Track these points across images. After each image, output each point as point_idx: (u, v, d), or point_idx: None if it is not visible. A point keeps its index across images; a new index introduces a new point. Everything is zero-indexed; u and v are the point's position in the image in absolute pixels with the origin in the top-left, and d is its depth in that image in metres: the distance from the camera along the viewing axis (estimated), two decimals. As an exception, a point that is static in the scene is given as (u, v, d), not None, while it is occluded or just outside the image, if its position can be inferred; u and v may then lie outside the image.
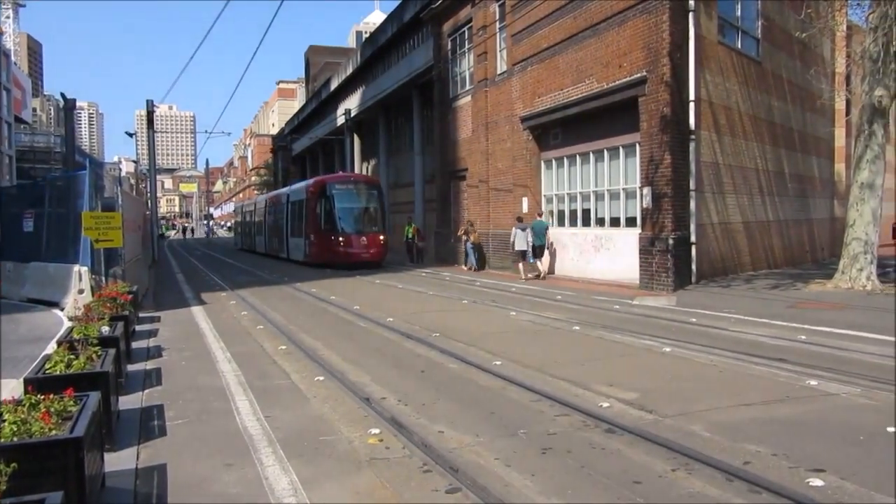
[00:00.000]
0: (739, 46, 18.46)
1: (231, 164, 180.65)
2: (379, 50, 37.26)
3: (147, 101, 35.43)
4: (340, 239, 24.70)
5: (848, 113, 22.71)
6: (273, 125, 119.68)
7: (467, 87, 25.63)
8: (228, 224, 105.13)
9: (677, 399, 6.20)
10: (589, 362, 8.12)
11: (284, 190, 34.64)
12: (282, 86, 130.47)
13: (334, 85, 47.46)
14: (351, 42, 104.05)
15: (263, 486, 4.30)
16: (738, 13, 18.57)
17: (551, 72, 19.34)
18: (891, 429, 5.20)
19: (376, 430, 5.38)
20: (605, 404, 6.04)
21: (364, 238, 24.82)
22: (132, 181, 62.47)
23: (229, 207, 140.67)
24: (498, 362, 7.92)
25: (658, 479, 4.32)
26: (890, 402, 6.00)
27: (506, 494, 4.07)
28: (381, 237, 25.47)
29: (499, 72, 22.98)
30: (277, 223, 32.94)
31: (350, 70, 43.00)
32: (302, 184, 30.84)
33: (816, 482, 4.16)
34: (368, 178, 30.96)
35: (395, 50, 35.82)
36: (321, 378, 7.31)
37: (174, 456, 4.95)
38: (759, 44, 19.44)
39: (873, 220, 14.97)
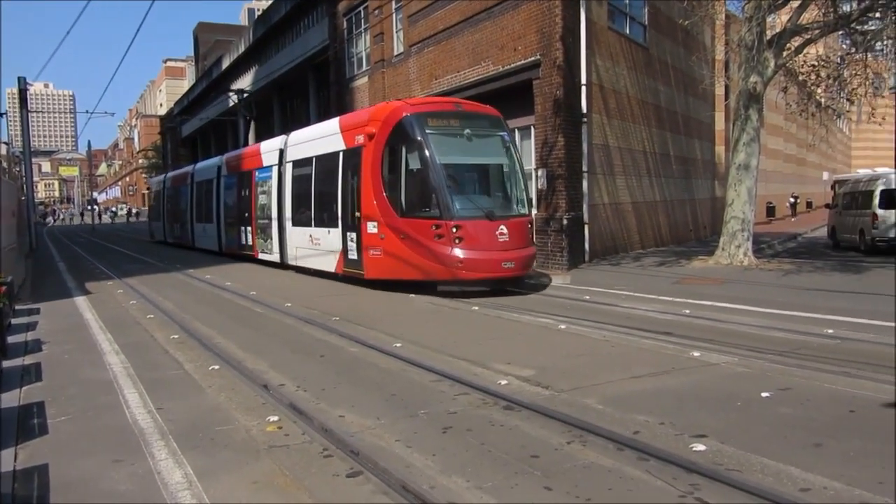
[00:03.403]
0: (628, 32, 19.13)
1: (116, 146, 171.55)
2: (272, 28, 36.16)
3: (19, 78, 32.89)
4: (454, 229, 11.62)
5: (727, 98, 24.02)
6: (161, 105, 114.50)
7: (364, 68, 25.33)
8: (114, 209, 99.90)
9: (572, 374, 6.42)
10: (488, 341, 8.27)
11: (274, 143, 18.80)
12: (170, 64, 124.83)
13: (226, 64, 45.74)
14: (243, 20, 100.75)
15: (156, 481, 4.14)
16: (627, 0, 19.21)
17: (448, 54, 19.39)
18: (765, 394, 5.58)
19: (275, 418, 5.29)
20: (504, 382, 6.17)
21: (503, 228, 11.91)
22: (4, 164, 58.21)
23: (115, 192, 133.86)
24: (398, 344, 7.93)
25: (554, 451, 4.47)
26: (764, 370, 6.43)
27: (407, 475, 4.09)
28: (529, 226, 12.83)
29: (396, 53, 22.83)
30: (265, 203, 18.87)
31: (242, 49, 41.55)
32: (329, 125, 15.65)
33: (699, 447, 4.41)
34: (484, 107, 13.75)
35: (289, 29, 34.88)
36: (216, 367, 7.09)
37: (57, 455, 4.68)
38: (647, 30, 20.21)
39: (749, 199, 15.92)
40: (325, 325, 9.42)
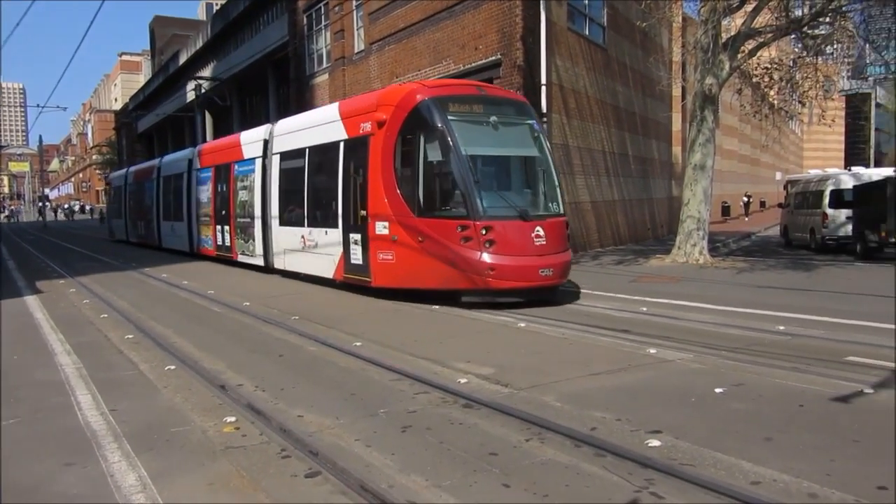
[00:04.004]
0: (587, 33, 19.34)
1: (69, 141, 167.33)
2: (231, 24, 35.68)
3: (-34, 70, 31.88)
4: (484, 230, 10.07)
5: (683, 99, 24.46)
6: (116, 100, 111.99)
7: (325, 65, 25.16)
8: (67, 206, 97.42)
9: (531, 372, 6.47)
10: (448, 340, 8.29)
11: (257, 133, 16.86)
12: (125, 58, 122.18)
13: (183, 59, 45.00)
14: (201, 14, 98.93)
15: (109, 484, 4.05)
16: (586, 1, 19.45)
17: (409, 52, 19.38)
18: (718, 390, 5.70)
19: (232, 418, 5.22)
20: (463, 380, 6.19)
21: (539, 229, 10.42)
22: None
23: (67, 188, 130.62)
24: (358, 343, 7.90)
25: (513, 449, 4.50)
26: (718, 366, 6.57)
27: (366, 475, 4.08)
28: (566, 227, 11.35)
29: (356, 50, 22.72)
30: (247, 199, 17.07)
31: (200, 44, 40.93)
32: (326, 111, 13.99)
33: (654, 442, 4.49)
34: (509, 92, 13.58)
35: (248, 24, 34.44)
36: (172, 367, 6.97)
37: (5, 459, 4.54)
38: (605, 31, 20.46)
39: (705, 198, 16.25)
40: (285, 324, 9.33)
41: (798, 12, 18.19)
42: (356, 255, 11.96)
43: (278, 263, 15.25)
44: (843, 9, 16.75)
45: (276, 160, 15.24)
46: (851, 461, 4.19)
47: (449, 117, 10.50)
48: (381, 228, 11.15)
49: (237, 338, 8.64)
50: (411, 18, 19.16)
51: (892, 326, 8.19)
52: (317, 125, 13.62)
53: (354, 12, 22.63)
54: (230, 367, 6.94)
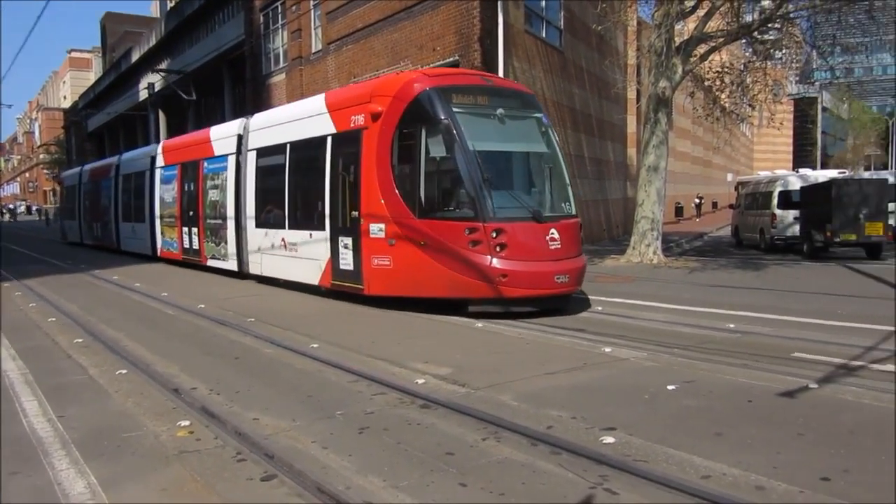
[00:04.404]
0: (544, 36, 19.53)
1: (14, 139, 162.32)
2: (185, 21, 35.09)
3: None
4: (495, 233, 9.29)
5: (638, 102, 24.87)
6: (65, 98, 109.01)
7: (282, 65, 24.92)
8: (11, 206, 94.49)
9: (488, 372, 6.51)
10: (405, 341, 8.28)
11: (229, 128, 16.14)
12: (74, 55, 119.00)
13: (136, 57, 44.08)
14: (154, 11, 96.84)
15: (56, 493, 3.95)
16: (543, 4, 19.64)
17: (367, 52, 19.31)
18: (670, 387, 5.81)
19: (186, 422, 5.14)
20: (421, 381, 6.20)
21: (554, 231, 9.71)
22: None
23: (13, 188, 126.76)
24: (315, 345, 7.85)
25: (470, 448, 4.52)
26: (670, 364, 6.70)
27: (323, 476, 4.06)
28: (580, 230, 10.84)
29: (314, 50, 22.56)
30: (218, 199, 15.90)
31: (153, 41, 40.15)
32: (310, 104, 13.02)
33: (608, 439, 4.56)
34: (515, 83, 13.37)
35: (203, 23, 33.92)
36: (124, 371, 6.83)
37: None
38: (562, 34, 20.69)
39: (658, 199, 16.55)
40: (240, 326, 9.21)
41: (748, 18, 18.65)
42: (346, 260, 11.01)
43: (254, 268, 14.31)
44: (791, 15, 17.23)
45: (251, 157, 14.31)
46: (797, 454, 4.32)
47: (454, 109, 9.67)
48: (377, 231, 10.26)
49: (191, 340, 8.51)
50: (369, 18, 19.10)
51: (836, 323, 8.48)
52: (299, 119, 12.65)
53: (312, 11, 22.47)
54: (184, 370, 6.82)
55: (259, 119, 14.64)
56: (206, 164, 16.58)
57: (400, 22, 17.91)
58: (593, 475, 3.98)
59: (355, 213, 10.69)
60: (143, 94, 38.42)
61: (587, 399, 5.58)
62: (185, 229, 17.76)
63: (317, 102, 12.43)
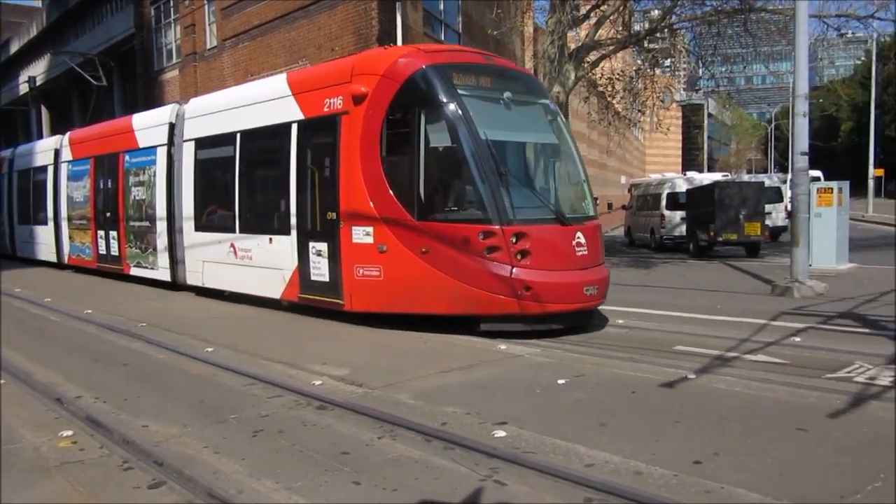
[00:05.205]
0: (443, 38, 19.74)
1: None
2: (70, 12, 33.29)
3: None
4: (515, 238, 7.90)
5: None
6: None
7: (174, 61, 24.10)
8: None
9: (386, 371, 6.56)
10: (304, 343, 8.23)
11: (158, 115, 14.15)
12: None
13: (14, 48, 41.46)
14: (36, 0, 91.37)
15: (-77, 511, 3.73)
16: (442, 7, 19.86)
17: (264, 50, 18.96)
18: (561, 381, 6.05)
19: (69, 432, 4.93)
20: (318, 382, 6.19)
21: (580, 235, 8.39)
22: None
23: None
24: (210, 349, 7.67)
25: (365, 447, 4.57)
26: (562, 359, 6.97)
27: (214, 481, 4.00)
28: (602, 233, 9.55)
29: (209, 46, 21.92)
30: (143, 198, 14.06)
31: (35, 32, 37.88)
32: (265, 86, 11.37)
33: (500, 433, 4.71)
34: (517, 66, 12.13)
35: (89, 14, 32.26)
36: (1, 381, 6.46)
37: None
38: (460, 38, 20.97)
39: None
40: (131, 331, 8.88)
41: (637, 27, 19.53)
42: (319, 270, 9.40)
43: (192, 279, 12.34)
44: (675, 26, 18.14)
45: (188, 149, 12.36)
46: (673, 440, 4.60)
47: (459, 91, 8.33)
48: (362, 235, 8.72)
49: (77, 347, 8.14)
50: (266, 16, 18.76)
51: (716, 318, 9.05)
52: (253, 103, 10.86)
53: (206, 7, 21.82)
54: (68, 378, 6.53)
55: (197, 105, 12.75)
56: (127, 157, 14.48)
57: (297, 21, 17.70)
58: (484, 468, 4.11)
59: (332, 215, 9.15)
60: (24, 88, 36.16)
61: (481, 395, 5.74)
62: (102, 233, 15.60)
63: (276, 84, 10.66)
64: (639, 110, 20.37)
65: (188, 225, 12.36)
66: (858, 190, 37.96)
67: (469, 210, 8.21)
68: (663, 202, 21.83)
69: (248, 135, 10.93)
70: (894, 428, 4.62)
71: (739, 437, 4.60)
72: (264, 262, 10.46)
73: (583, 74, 17.65)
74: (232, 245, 11.22)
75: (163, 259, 13.24)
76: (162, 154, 13.18)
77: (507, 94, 8.73)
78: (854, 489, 3.72)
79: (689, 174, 26.35)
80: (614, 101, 20.89)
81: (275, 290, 10.26)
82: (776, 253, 18.35)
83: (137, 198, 14.14)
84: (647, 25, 19.17)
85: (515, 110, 8.88)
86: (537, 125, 9.36)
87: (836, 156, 71.15)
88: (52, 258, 17.93)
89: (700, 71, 21.02)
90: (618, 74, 19.99)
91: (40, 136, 36.22)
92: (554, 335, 7.91)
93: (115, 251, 14.99)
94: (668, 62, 22.34)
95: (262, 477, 4.08)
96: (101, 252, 15.61)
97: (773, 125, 73.40)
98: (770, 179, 25.16)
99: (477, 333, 8.05)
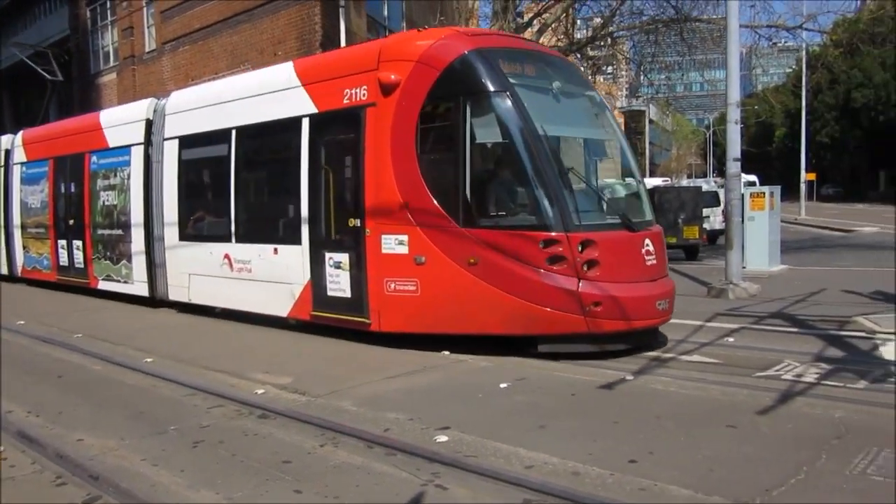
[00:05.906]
0: (388, 44, 19.76)
1: None
2: (1, 12, 32.11)
3: None
4: (581, 247, 6.95)
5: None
6: None
7: (112, 64, 23.52)
8: None
9: (329, 379, 6.55)
10: (246, 353, 8.11)
11: (132, 110, 12.66)
12: None
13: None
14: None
15: None
16: (386, 13, 19.86)
17: (205, 54, 18.67)
18: (503, 385, 6.14)
19: (-1, 449, 4.79)
20: (261, 391, 6.14)
21: (648, 243, 7.53)
22: None
23: None
24: (149, 359, 7.52)
25: (307, 455, 4.57)
26: (504, 363, 7.05)
27: (152, 494, 3.95)
28: (664, 240, 8.26)
29: (147, 49, 21.47)
30: (115, 203, 12.56)
31: (-39, 32, 36.42)
32: (268, 75, 9.91)
33: (442, 438, 4.77)
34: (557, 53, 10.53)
35: (20, 14, 31.19)
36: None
37: None
38: (406, 43, 21.02)
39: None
40: (66, 343, 8.64)
41: (580, 35, 19.94)
42: (338, 284, 8.24)
43: (176, 294, 11.00)
44: (615, 35, 18.59)
45: (170, 148, 11.01)
46: (610, 440, 4.73)
47: (511, 80, 7.35)
48: (394, 245, 7.62)
49: (7, 360, 7.86)
50: (207, 19, 18.48)
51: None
52: (252, 96, 9.61)
53: (145, 9, 21.38)
54: (-2, 393, 6.32)
55: (181, 99, 11.39)
56: (95, 158, 13.00)
57: (240, 24, 17.48)
58: (426, 473, 4.16)
59: (355, 222, 8.04)
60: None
61: (424, 400, 5.78)
62: (63, 242, 14.06)
63: (281, 73, 9.41)
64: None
65: (171, 233, 10.99)
66: (792, 193, 39.43)
67: (526, 215, 7.26)
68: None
69: (246, 132, 9.73)
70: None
71: (673, 436, 4.75)
72: (268, 276, 9.23)
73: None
74: (226, 256, 9.95)
75: (139, 272, 11.78)
76: (138, 154, 11.77)
77: (556, 84, 7.82)
78: (778, 482, 3.89)
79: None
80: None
81: (281, 308, 9.06)
82: (714, 256, 18.87)
83: (108, 203, 12.68)
84: (588, 33, 19.58)
85: (565, 102, 7.99)
86: (589, 119, 8.51)
87: (771, 160, 73.66)
88: (3, 270, 16.43)
89: (641, 78, 21.55)
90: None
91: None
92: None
93: (79, 262, 13.51)
94: (609, 69, 22.86)
95: (202, 488, 4.05)
96: (61, 263, 14.12)
97: (710, 131, 75.51)
98: (708, 184, 25.86)
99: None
